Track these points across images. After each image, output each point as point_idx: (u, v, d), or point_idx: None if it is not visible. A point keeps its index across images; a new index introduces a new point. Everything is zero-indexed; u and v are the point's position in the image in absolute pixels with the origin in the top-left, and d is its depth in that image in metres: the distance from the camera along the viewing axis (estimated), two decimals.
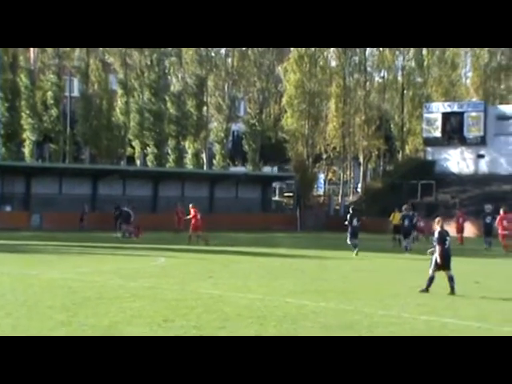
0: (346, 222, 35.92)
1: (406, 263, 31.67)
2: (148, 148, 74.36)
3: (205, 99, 76.64)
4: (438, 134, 72.92)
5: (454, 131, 72.19)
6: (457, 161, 72.36)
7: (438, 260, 19.87)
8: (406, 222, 39.38)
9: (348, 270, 25.71)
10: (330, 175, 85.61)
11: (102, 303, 16.47)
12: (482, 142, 70.81)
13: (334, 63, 79.31)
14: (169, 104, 74.74)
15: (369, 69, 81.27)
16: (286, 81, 77.38)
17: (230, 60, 76.35)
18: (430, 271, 20.04)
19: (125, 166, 74.96)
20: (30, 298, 17.22)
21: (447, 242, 20.16)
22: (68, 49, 71.25)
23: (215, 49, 75.98)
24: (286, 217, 69.47)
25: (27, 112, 70.36)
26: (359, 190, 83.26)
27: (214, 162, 77.53)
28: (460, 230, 48.57)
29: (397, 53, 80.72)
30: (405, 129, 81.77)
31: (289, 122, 75.78)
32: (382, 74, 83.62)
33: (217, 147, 77.42)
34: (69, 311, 15.05)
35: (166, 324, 13.68)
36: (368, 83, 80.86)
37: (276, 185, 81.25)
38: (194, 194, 64.54)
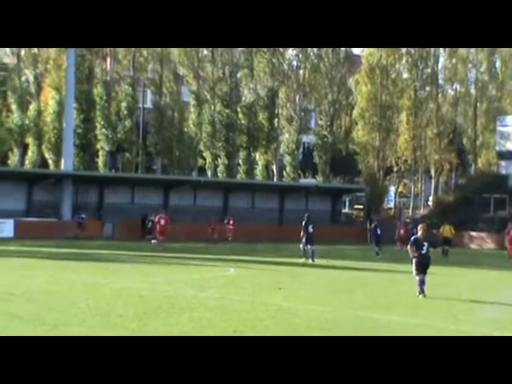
0: (302, 229, 38.23)
1: (477, 278, 31.22)
2: (219, 159, 74.82)
3: (276, 111, 76.85)
4: (511, 147, 71.79)
5: None
6: None
7: (415, 263, 21.59)
8: (379, 231, 44.61)
9: None
10: (401, 188, 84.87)
11: (173, 313, 16.60)
12: None
13: (405, 75, 78.78)
14: (240, 115, 75.11)
15: (441, 81, 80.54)
16: (358, 93, 77.19)
17: (301, 72, 76.43)
18: (415, 276, 21.65)
19: (196, 176, 75.53)
20: (103, 306, 17.44)
21: (424, 248, 21.56)
22: (142, 60, 72.34)
23: (287, 60, 76.22)
24: (356, 229, 69.03)
25: (102, 123, 71.50)
26: (430, 203, 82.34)
27: (285, 173, 77.60)
28: (511, 242, 48.88)
29: (469, 65, 79.83)
30: (478, 142, 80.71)
31: (360, 134, 75.52)
32: (454, 87, 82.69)
33: (287, 159, 77.48)
34: (140, 320, 15.20)
35: (236, 335, 13.72)
36: (440, 96, 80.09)
37: (346, 197, 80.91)
38: (263, 206, 64.77)
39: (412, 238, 22.43)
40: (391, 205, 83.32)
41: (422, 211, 78.95)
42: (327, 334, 14.20)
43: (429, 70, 77.74)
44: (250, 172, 75.76)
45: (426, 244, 21.78)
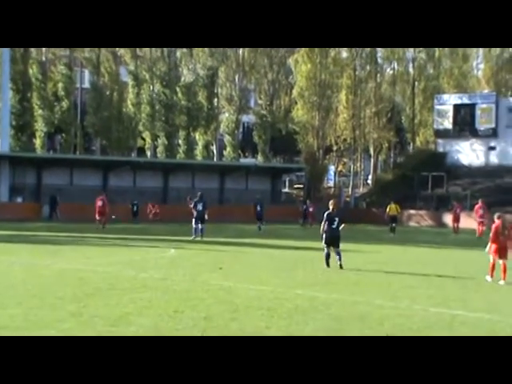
0: (192, 207, 39.07)
1: (415, 255, 31.66)
2: (158, 139, 74.42)
3: (216, 90, 76.65)
4: (449, 125, 72.81)
5: (465, 123, 72.06)
6: (468, 153, 72.20)
7: (324, 237, 23.23)
8: (258, 208, 47.94)
9: (360, 262, 25.68)
10: (341, 167, 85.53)
11: (113, 294, 16.49)
12: (493, 133, 70.69)
13: (345, 54, 79.17)
14: (180, 95, 74.75)
15: (380, 60, 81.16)
16: (297, 72, 77.33)
17: (241, 51, 76.29)
18: (324, 248, 23.42)
19: (135, 157, 75.07)
20: (41, 288, 17.26)
21: (335, 223, 23.19)
22: None
23: None
24: (296, 209, 69.30)
25: (38, 103, 70.54)
26: (369, 181, 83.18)
27: (225, 153, 77.57)
28: (456, 220, 51.51)
29: None
30: (416, 120, 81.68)
31: (299, 113, 75.73)
32: (392, 66, 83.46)
33: (227, 138, 77.44)
34: (80, 302, 15.07)
35: (176, 315, 13.70)
36: (379, 75, 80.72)
37: (286, 176, 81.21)
38: (204, 186, 64.53)
39: (325, 213, 23.60)
40: (331, 184, 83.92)
41: (361, 190, 79.75)
42: (266, 312, 14.27)
43: (368, 49, 78.20)
44: (190, 152, 75.57)
45: (336, 219, 23.36)
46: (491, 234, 20.89)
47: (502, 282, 20.09)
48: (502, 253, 20.54)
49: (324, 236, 23.35)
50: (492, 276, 20.62)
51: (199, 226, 37.42)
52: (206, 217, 37.96)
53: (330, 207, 23.61)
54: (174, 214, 56.62)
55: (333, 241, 23.20)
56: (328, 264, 23.25)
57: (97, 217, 45.72)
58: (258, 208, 48.15)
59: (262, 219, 47.69)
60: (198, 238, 36.71)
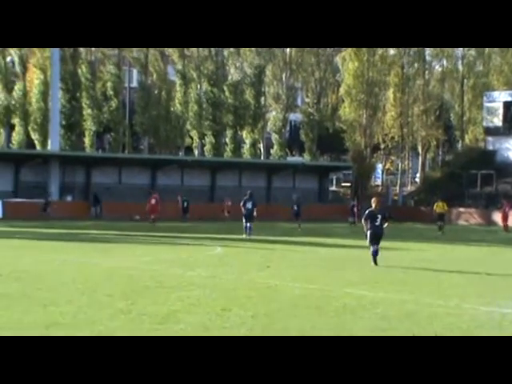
0: (241, 205, 39.09)
1: (464, 252, 31.35)
2: (206, 138, 74.67)
3: (263, 89, 76.68)
4: (498, 123, 71.95)
5: None
6: None
7: (369, 234, 23.10)
8: (295, 207, 48.11)
9: (408, 260, 25.50)
10: (388, 165, 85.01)
11: (161, 292, 16.58)
12: None
13: (392, 52, 78.65)
14: (227, 94, 74.93)
15: (428, 58, 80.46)
16: (344, 70, 77.06)
17: (288, 50, 76.24)
18: (369, 246, 23.31)
19: (183, 156, 75.41)
20: (91, 286, 17.40)
21: (378, 220, 23.09)
22: None
23: None
24: (344, 207, 69.09)
25: (87, 103, 71.25)
26: (417, 179, 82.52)
27: (272, 151, 77.54)
28: (505, 218, 51.06)
29: None
30: (465, 118, 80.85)
31: (346, 111, 75.44)
32: (441, 63, 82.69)
33: (274, 137, 77.43)
34: (128, 299, 15.17)
35: (224, 313, 13.71)
36: (427, 72, 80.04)
37: (333, 175, 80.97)
38: (251, 184, 64.73)
39: (366, 211, 23.68)
40: (379, 182, 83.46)
41: (409, 188, 79.18)
42: (314, 311, 14.24)
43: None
44: (237, 151, 75.71)
45: (379, 216, 23.25)
46: None
47: None
48: None
49: (368, 234, 23.36)
50: None
51: (248, 224, 37.57)
52: (255, 214, 38.16)
53: (373, 205, 23.61)
54: (219, 212, 56.98)
55: (375, 238, 23.20)
56: (376, 262, 23.16)
57: (149, 215, 46.80)
58: (295, 207, 48.37)
59: (298, 217, 47.71)
60: (247, 237, 36.86)
